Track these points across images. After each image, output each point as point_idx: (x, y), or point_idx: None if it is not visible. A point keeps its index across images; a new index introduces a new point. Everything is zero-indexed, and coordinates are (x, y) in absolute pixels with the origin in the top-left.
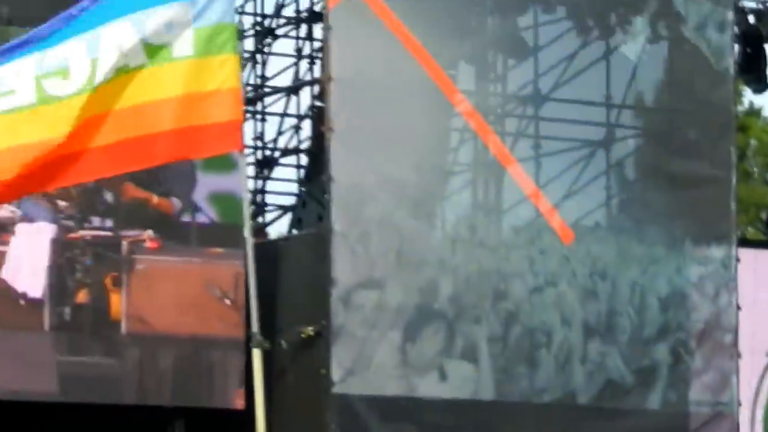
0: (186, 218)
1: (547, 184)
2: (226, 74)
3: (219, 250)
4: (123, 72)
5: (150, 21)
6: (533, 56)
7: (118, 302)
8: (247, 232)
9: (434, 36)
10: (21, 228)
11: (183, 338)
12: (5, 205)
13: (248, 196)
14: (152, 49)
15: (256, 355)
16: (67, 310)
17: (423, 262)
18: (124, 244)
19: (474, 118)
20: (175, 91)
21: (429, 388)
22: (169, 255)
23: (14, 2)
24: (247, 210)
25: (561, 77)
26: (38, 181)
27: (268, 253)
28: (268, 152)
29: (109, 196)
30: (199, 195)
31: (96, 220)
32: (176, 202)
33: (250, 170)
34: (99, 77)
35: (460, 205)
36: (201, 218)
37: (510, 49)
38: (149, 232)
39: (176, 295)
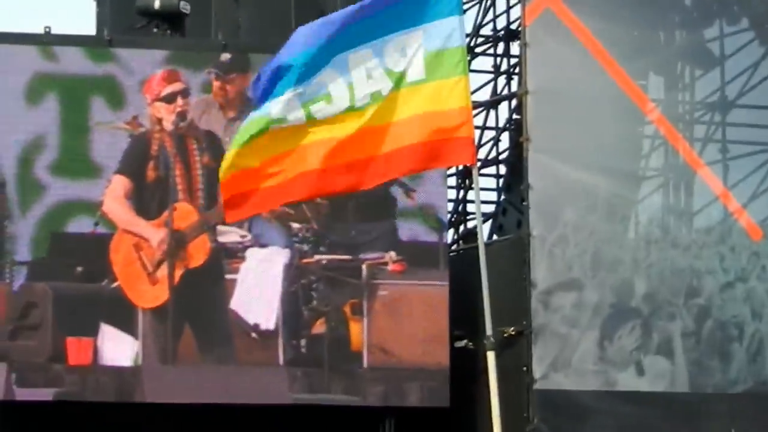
0: (432, 238)
1: (735, 186)
2: (458, 95)
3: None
4: (378, 97)
5: (387, 48)
6: (719, 65)
7: (359, 332)
8: (480, 241)
9: (625, 49)
10: (252, 254)
11: (432, 370)
12: (235, 230)
13: (480, 206)
14: (392, 75)
15: (490, 357)
16: (303, 343)
17: (618, 263)
18: (365, 267)
19: (664, 126)
20: (413, 112)
21: (627, 382)
22: (414, 279)
23: (228, 29)
24: (480, 218)
25: (746, 84)
26: (294, 190)
27: (471, 258)
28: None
29: (343, 216)
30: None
31: (332, 243)
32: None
33: (452, 181)
34: (358, 101)
35: (652, 208)
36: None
37: (697, 59)
38: (392, 254)
39: (424, 323)
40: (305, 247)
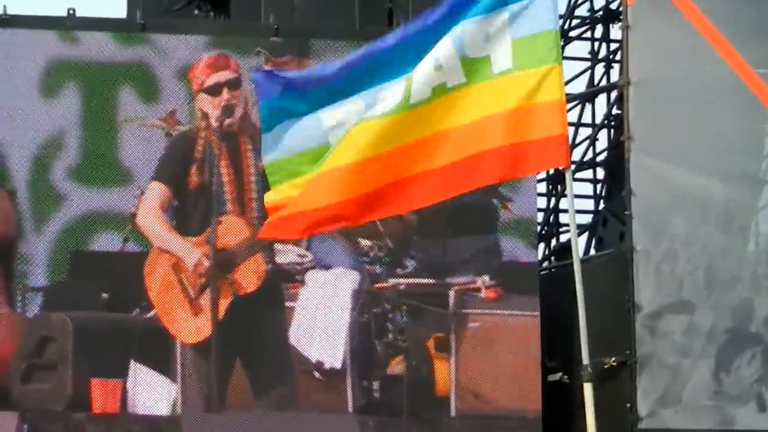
0: (531, 257)
1: None
2: (549, 85)
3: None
4: (441, 92)
5: (468, 34)
6: None
7: (445, 373)
8: (575, 256)
9: (743, 34)
10: (314, 277)
11: (526, 418)
12: (293, 249)
13: (574, 216)
14: (470, 64)
15: (587, 390)
16: (377, 385)
17: (735, 281)
18: (452, 294)
19: None
20: (496, 108)
21: (747, 419)
22: (509, 307)
23: (282, 12)
24: (574, 231)
25: None
26: (351, 212)
27: (564, 277)
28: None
29: (426, 230)
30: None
31: (411, 264)
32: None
33: (542, 186)
34: (415, 97)
35: None
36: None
37: None
38: (484, 278)
39: (516, 359)
40: (378, 269)
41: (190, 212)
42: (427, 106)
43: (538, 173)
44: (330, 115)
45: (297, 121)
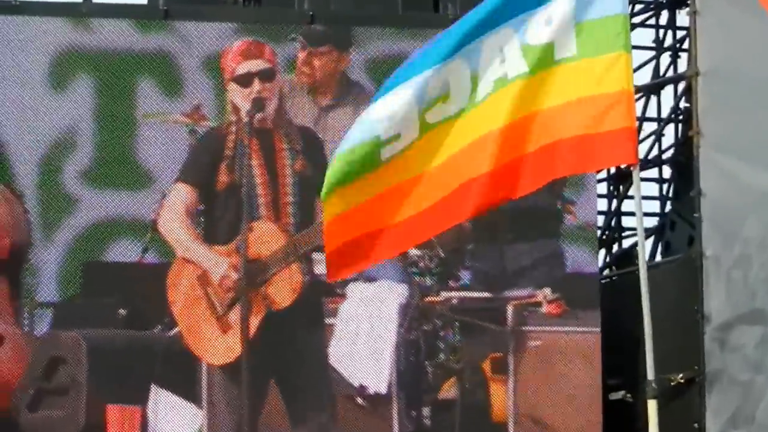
0: (591, 267)
1: None
2: (616, 75)
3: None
4: (501, 84)
5: (531, 22)
6: None
7: (502, 396)
8: (641, 262)
9: None
10: (356, 290)
11: None
12: None
13: (642, 218)
14: (531, 52)
15: (652, 407)
16: (426, 412)
17: None
18: (510, 309)
19: None
20: (559, 99)
21: None
22: (571, 323)
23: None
24: (641, 234)
25: None
26: (424, 226)
27: (626, 286)
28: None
29: (483, 236)
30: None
31: (465, 276)
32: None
33: (602, 187)
34: (480, 94)
35: None
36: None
37: None
38: (546, 291)
39: (577, 379)
40: (428, 282)
41: (219, 218)
42: (488, 101)
43: (602, 170)
44: (379, 107)
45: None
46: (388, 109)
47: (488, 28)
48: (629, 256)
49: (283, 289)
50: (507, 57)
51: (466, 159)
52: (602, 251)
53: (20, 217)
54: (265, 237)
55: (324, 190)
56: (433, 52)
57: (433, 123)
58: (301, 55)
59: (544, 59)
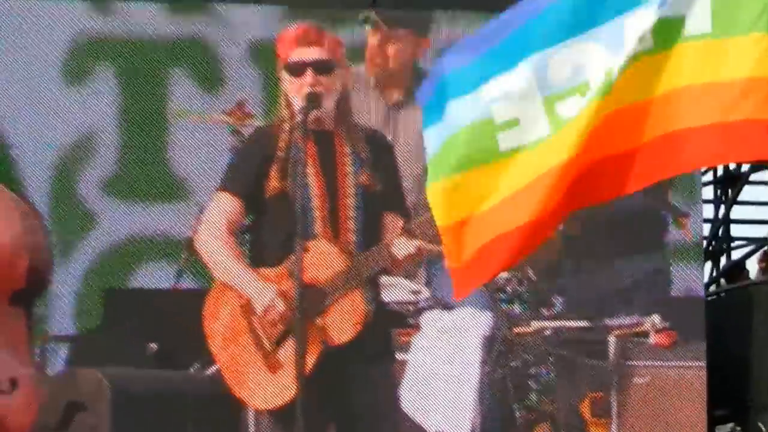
0: (697, 288)
1: None
2: (754, 59)
3: None
4: (632, 61)
5: None
6: None
7: None
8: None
9: None
10: (432, 320)
11: None
12: (404, 284)
13: None
14: (662, 25)
15: None
16: None
17: None
18: (612, 340)
19: None
20: (687, 81)
21: None
22: (684, 355)
23: None
24: None
25: None
26: (548, 222)
27: (736, 303)
28: (732, 165)
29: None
30: None
31: (559, 302)
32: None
33: (708, 192)
34: (614, 76)
35: None
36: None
37: None
38: (654, 319)
39: (691, 416)
40: (517, 309)
41: (267, 234)
42: (618, 82)
43: (734, 162)
44: (492, 86)
45: (459, 101)
46: (501, 89)
47: (625, 6)
48: (738, 268)
49: (343, 321)
50: (642, 32)
51: (594, 139)
52: (707, 264)
53: (40, 237)
54: (321, 259)
55: (431, 180)
56: (547, 26)
57: (567, 118)
58: (373, 41)
59: (674, 33)
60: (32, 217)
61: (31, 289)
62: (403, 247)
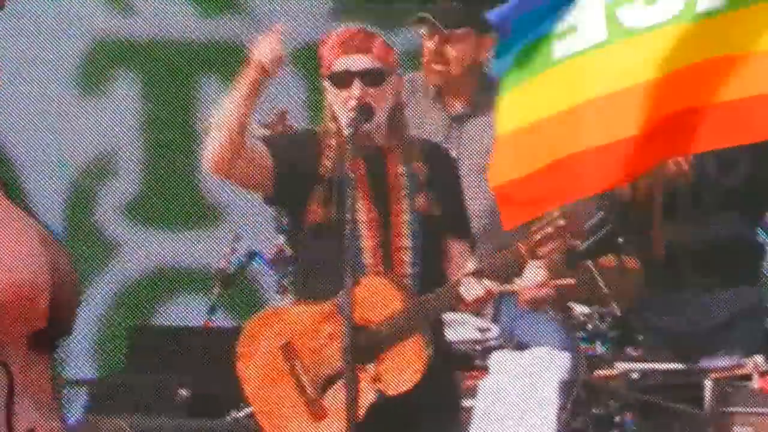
0: None
1: None
2: None
3: None
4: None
5: None
6: None
7: None
8: None
9: None
10: (502, 362)
11: None
12: (470, 319)
13: None
14: None
15: None
16: None
17: None
18: (708, 384)
19: None
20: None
21: None
22: None
23: None
24: None
25: None
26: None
27: None
28: None
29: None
30: None
31: (647, 341)
32: None
33: None
34: (701, 5)
35: None
36: None
37: None
38: (757, 359)
39: None
40: (599, 349)
41: (311, 267)
42: (722, 18)
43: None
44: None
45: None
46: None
47: None
48: None
49: (401, 370)
50: None
51: (688, 81)
52: None
53: (64, 270)
54: (374, 296)
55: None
56: None
57: (629, 28)
58: (430, 44)
59: None
60: (55, 247)
61: (55, 330)
62: (472, 289)
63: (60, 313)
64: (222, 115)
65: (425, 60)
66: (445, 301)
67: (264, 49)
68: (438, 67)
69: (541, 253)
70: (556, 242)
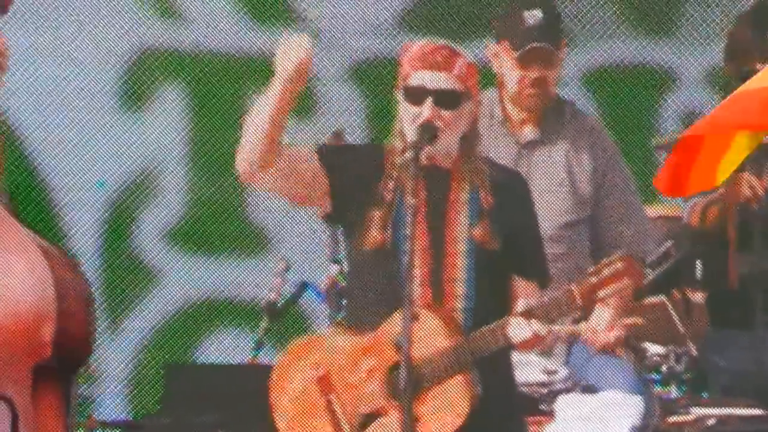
0: None
1: None
2: None
3: None
4: None
5: None
6: None
7: None
8: None
9: None
10: (569, 406)
11: None
12: (536, 359)
13: None
14: None
15: None
16: None
17: None
18: None
19: None
20: None
21: None
22: None
23: None
24: None
25: None
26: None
27: None
28: None
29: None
30: None
31: (722, 380)
32: None
33: None
34: None
35: None
36: None
37: None
38: None
39: None
40: (674, 393)
41: (362, 296)
42: None
43: None
44: None
45: None
46: None
47: None
48: None
49: (443, 411)
50: None
51: None
52: None
53: (76, 295)
54: (419, 330)
55: None
56: None
57: None
58: (508, 59)
59: None
60: (66, 269)
61: (63, 361)
62: (520, 330)
63: (67, 342)
64: (250, 122)
65: (498, 80)
66: (491, 341)
67: (287, 55)
68: (534, 91)
69: (598, 297)
70: (616, 286)
